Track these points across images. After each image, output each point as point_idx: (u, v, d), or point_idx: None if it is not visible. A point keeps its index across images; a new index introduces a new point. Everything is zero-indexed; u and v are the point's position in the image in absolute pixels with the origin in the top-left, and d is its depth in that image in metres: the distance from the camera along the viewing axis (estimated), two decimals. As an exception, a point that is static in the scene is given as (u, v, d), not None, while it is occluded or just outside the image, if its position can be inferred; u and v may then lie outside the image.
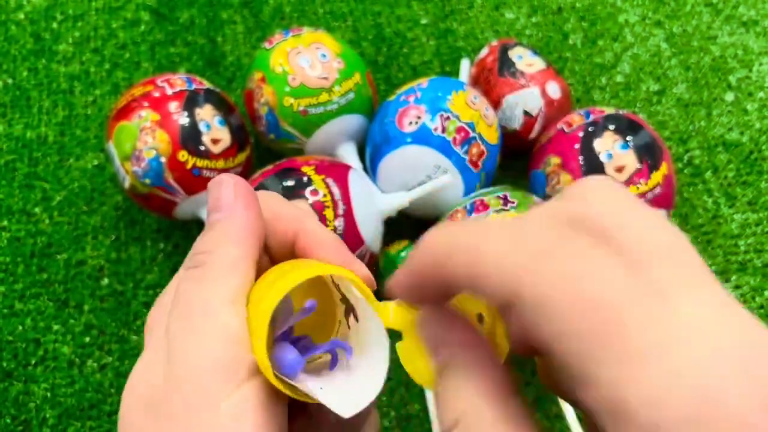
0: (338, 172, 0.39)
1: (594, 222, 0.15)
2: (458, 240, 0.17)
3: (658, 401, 0.13)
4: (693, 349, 0.13)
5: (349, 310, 0.20)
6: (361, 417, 0.20)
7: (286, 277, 0.18)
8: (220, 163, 0.40)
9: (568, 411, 0.38)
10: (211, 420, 0.17)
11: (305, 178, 0.38)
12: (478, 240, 0.16)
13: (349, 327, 0.20)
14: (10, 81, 0.52)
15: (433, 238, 0.18)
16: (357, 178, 0.40)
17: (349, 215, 0.37)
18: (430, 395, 0.40)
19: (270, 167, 0.40)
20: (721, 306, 0.14)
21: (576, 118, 0.42)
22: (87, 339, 0.42)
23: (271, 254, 0.22)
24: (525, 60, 0.45)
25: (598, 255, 0.15)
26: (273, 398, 0.18)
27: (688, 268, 0.15)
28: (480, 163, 0.41)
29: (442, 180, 0.40)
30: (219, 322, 0.18)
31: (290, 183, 0.38)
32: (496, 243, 0.16)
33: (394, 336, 0.19)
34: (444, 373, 0.18)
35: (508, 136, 0.45)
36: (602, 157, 0.39)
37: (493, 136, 0.42)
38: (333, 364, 0.20)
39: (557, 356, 0.14)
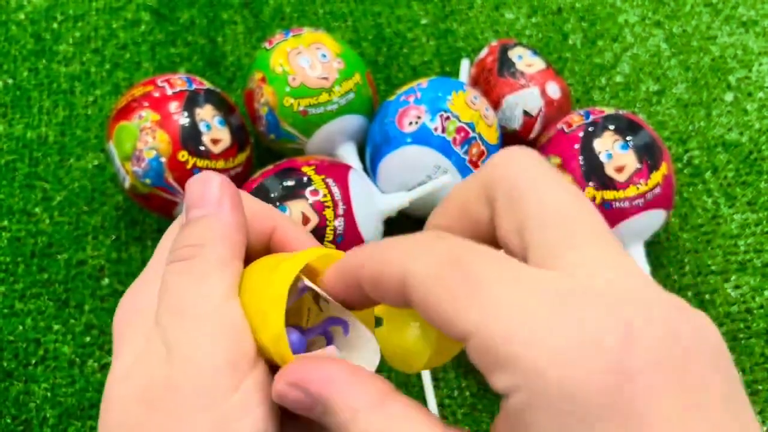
0: (338, 172, 0.39)
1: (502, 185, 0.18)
2: (371, 251, 0.18)
3: (524, 333, 0.14)
4: (535, 286, 0.15)
5: (318, 295, 0.20)
6: None
7: (288, 262, 0.19)
8: (221, 163, 0.41)
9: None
10: (224, 413, 0.17)
11: (305, 178, 0.38)
12: (383, 251, 0.18)
13: (321, 309, 0.21)
14: (10, 81, 0.52)
15: (355, 251, 0.19)
16: (357, 178, 0.40)
17: (349, 215, 0.38)
18: (430, 394, 0.40)
19: (270, 167, 0.40)
20: (576, 265, 0.16)
21: (576, 119, 0.42)
22: (87, 339, 0.42)
23: (247, 250, 0.22)
24: (525, 60, 0.46)
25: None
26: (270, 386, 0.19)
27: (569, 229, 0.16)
28: (480, 164, 0.41)
29: (442, 180, 0.40)
30: (221, 317, 0.18)
31: (290, 183, 0.38)
32: (396, 250, 0.17)
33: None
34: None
35: (508, 136, 0.45)
36: (602, 157, 0.39)
37: (493, 136, 0.42)
38: (329, 342, 0.20)
39: (441, 326, 0.16)
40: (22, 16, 0.55)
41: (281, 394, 0.17)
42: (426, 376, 0.40)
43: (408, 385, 0.41)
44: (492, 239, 0.18)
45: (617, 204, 0.39)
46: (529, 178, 0.17)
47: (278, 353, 0.18)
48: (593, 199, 0.39)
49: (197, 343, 0.18)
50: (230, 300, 0.19)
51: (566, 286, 0.15)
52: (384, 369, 0.41)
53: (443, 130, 0.40)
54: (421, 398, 0.41)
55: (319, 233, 0.37)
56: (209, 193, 0.21)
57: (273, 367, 0.19)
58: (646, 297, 0.15)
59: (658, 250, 0.46)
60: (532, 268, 0.16)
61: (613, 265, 0.15)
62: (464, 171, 0.40)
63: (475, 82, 0.47)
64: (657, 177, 0.39)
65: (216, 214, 0.20)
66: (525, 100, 0.44)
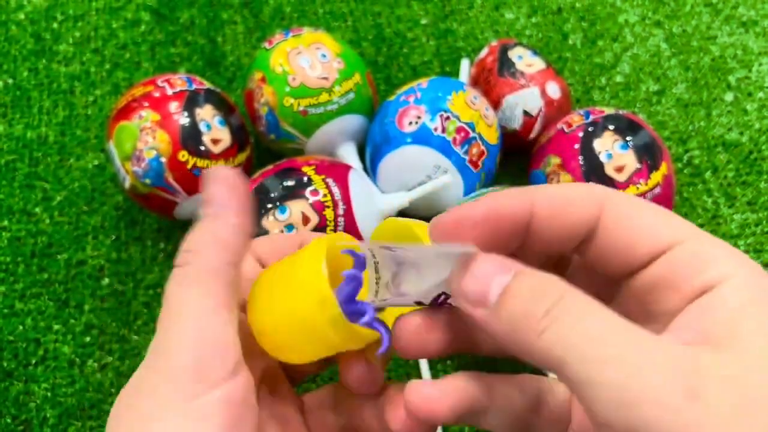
0: (338, 172, 0.39)
1: None
2: (541, 192, 0.19)
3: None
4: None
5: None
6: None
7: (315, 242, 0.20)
8: (220, 164, 0.41)
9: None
10: (179, 418, 0.17)
11: (305, 178, 0.38)
12: (560, 188, 0.19)
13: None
14: (10, 81, 0.52)
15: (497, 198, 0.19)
16: (357, 178, 0.40)
17: (349, 215, 0.38)
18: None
19: (270, 167, 0.40)
20: None
21: (576, 118, 0.42)
22: (87, 339, 0.42)
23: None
24: (525, 60, 0.46)
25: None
26: (248, 402, 0.19)
27: None
28: (480, 163, 0.41)
29: (442, 180, 0.40)
30: (197, 326, 0.18)
31: (290, 183, 0.38)
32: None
33: None
34: None
35: (508, 136, 0.45)
36: (602, 157, 0.39)
37: (493, 136, 0.42)
38: None
39: (633, 248, 0.18)
40: (22, 16, 0.55)
41: None
42: (426, 376, 0.41)
43: (408, 385, 0.41)
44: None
45: (617, 204, 0.39)
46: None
47: (329, 318, 0.18)
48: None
49: (168, 348, 0.18)
50: (217, 310, 0.19)
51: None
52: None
53: (443, 130, 0.40)
54: (421, 398, 0.41)
55: (319, 233, 0.37)
56: (217, 192, 0.21)
57: (271, 383, 0.19)
58: None
59: (658, 250, 0.46)
60: None
61: None
62: (464, 171, 0.40)
63: (475, 82, 0.47)
64: (657, 177, 0.39)
65: (218, 216, 0.20)
66: (525, 100, 0.44)
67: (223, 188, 0.21)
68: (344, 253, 0.20)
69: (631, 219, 0.18)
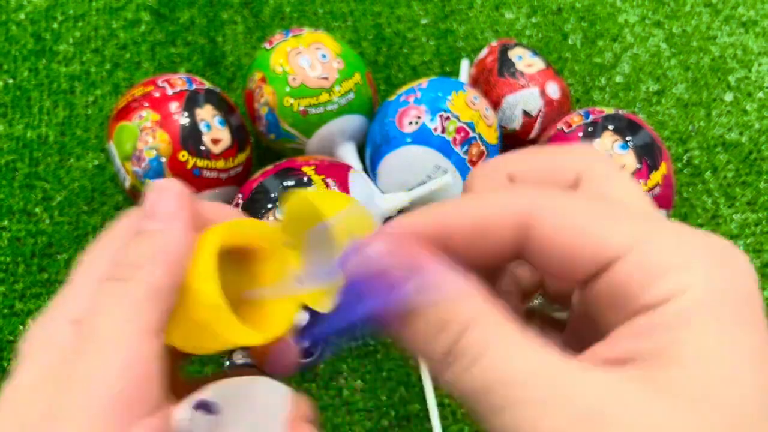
0: (338, 172, 0.39)
1: None
2: (462, 206, 0.17)
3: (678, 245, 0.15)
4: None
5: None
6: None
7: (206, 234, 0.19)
8: (221, 163, 0.41)
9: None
10: None
11: (305, 178, 0.38)
12: (481, 201, 0.17)
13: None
14: (10, 81, 0.52)
15: (419, 215, 0.17)
16: (357, 178, 0.40)
17: (349, 215, 0.38)
18: (430, 394, 0.40)
19: (270, 167, 0.40)
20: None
21: (575, 119, 0.42)
22: (87, 339, 0.42)
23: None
24: (525, 60, 0.46)
25: None
26: None
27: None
28: (480, 164, 0.41)
29: (442, 180, 0.40)
30: (131, 356, 0.17)
31: (290, 183, 0.38)
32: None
33: None
34: None
35: (507, 136, 0.45)
36: (602, 157, 0.39)
37: (492, 137, 0.42)
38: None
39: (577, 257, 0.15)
40: (22, 16, 0.55)
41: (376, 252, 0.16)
42: (426, 376, 0.41)
43: (408, 385, 0.41)
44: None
45: (617, 204, 0.39)
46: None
47: (218, 325, 0.17)
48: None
49: (90, 380, 0.16)
50: (149, 336, 0.17)
51: None
52: (384, 369, 0.41)
53: (443, 130, 0.40)
54: (422, 398, 0.41)
55: (319, 233, 0.37)
56: (164, 205, 0.19)
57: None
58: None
59: (657, 250, 0.46)
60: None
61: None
62: (464, 171, 0.40)
63: (475, 82, 0.47)
64: (657, 177, 0.39)
65: (165, 231, 0.18)
66: (525, 100, 0.44)
67: (171, 200, 0.19)
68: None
69: (566, 231, 0.15)
